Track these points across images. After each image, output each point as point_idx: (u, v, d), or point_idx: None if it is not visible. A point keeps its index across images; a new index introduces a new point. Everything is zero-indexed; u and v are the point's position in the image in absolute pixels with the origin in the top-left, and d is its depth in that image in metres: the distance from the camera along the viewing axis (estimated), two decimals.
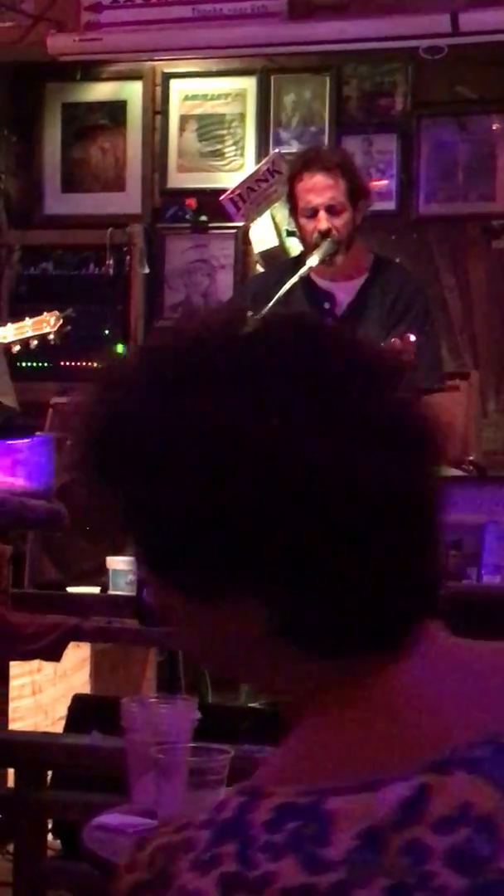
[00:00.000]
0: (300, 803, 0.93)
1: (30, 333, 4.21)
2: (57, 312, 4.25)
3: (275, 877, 0.90)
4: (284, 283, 4.27)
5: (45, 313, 4.25)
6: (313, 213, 4.36)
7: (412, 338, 3.96)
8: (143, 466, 1.02)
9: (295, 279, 4.27)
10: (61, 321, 4.22)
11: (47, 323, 4.21)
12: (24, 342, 4.22)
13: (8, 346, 4.25)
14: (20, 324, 4.24)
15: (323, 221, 4.34)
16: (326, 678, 1.02)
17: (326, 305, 4.45)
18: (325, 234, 4.34)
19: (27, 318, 4.24)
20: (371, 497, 1.00)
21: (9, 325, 4.26)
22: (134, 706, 2.26)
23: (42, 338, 4.21)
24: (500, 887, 0.90)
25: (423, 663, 1.02)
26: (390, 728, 0.98)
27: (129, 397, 1.04)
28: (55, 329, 4.20)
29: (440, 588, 1.06)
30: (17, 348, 4.24)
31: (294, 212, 4.47)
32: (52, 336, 4.21)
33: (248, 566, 1.00)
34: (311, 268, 4.32)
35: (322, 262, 4.33)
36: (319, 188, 4.36)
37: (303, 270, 4.30)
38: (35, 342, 4.22)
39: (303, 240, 4.47)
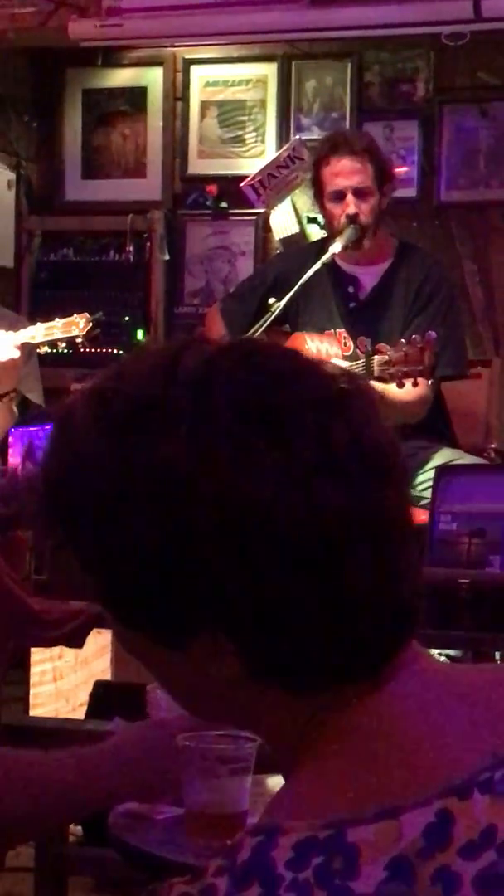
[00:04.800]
0: (321, 837, 0.89)
1: (58, 335, 4.22)
2: (87, 315, 4.25)
3: None
4: (307, 268, 4.26)
5: (75, 315, 4.25)
6: (340, 197, 4.33)
7: (433, 335, 3.96)
8: (95, 513, 0.98)
9: (318, 265, 4.25)
10: (90, 325, 4.22)
11: (76, 326, 4.22)
12: (52, 343, 4.23)
13: (36, 346, 4.27)
14: (49, 324, 4.24)
15: (350, 205, 4.31)
16: (312, 715, 0.99)
17: (351, 289, 4.44)
18: (352, 219, 4.31)
19: (57, 319, 4.24)
20: (333, 527, 0.95)
21: (38, 324, 4.26)
22: (160, 693, 2.25)
23: (70, 340, 4.23)
24: None
25: (412, 686, 0.99)
26: (394, 754, 0.95)
27: (78, 445, 1.00)
28: (83, 332, 4.21)
29: (418, 607, 1.01)
30: (44, 349, 4.25)
31: (320, 196, 4.43)
32: (80, 339, 4.22)
33: (211, 608, 0.96)
34: (334, 253, 4.31)
35: (346, 247, 4.31)
36: (347, 172, 4.33)
37: (326, 256, 4.28)
38: (63, 344, 4.23)
39: (328, 224, 4.44)
